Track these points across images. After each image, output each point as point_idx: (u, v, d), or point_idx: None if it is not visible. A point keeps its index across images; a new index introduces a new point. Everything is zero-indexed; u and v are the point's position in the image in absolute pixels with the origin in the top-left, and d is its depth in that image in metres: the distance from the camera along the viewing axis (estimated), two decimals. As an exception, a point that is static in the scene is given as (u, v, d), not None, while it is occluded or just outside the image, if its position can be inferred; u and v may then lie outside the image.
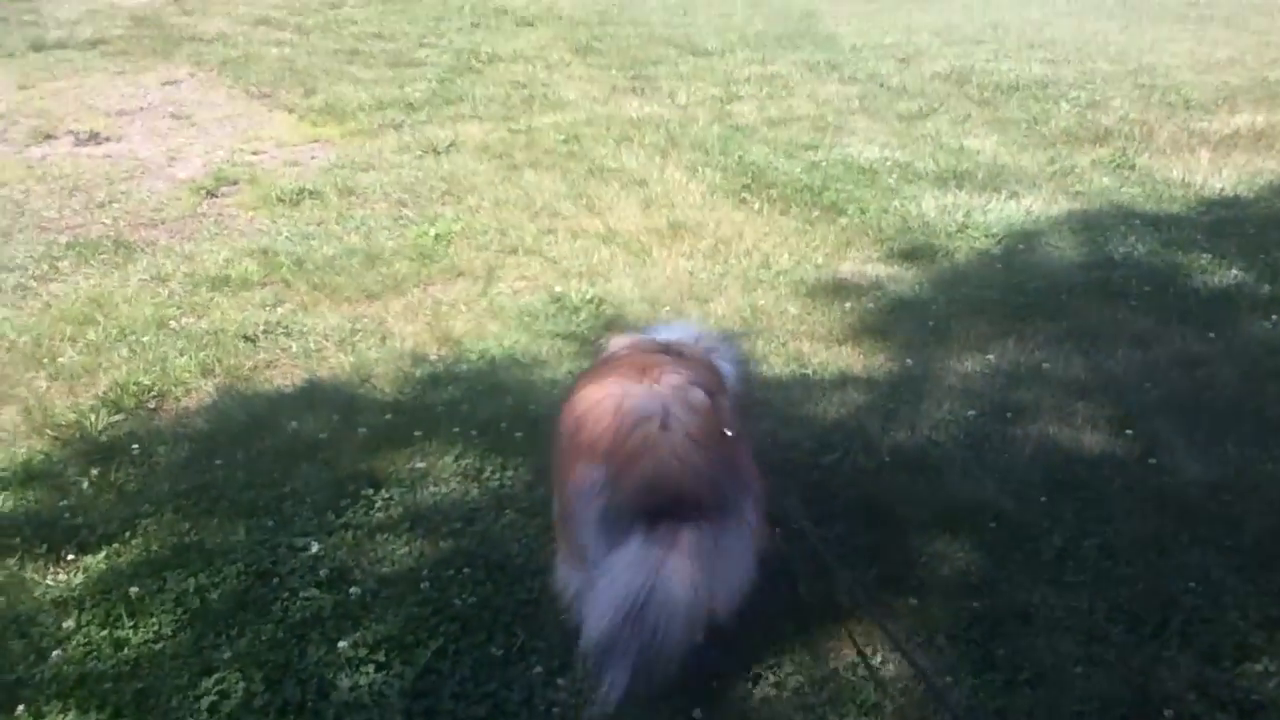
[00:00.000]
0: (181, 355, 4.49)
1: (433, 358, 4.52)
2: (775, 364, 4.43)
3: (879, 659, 2.81)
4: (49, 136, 7.56)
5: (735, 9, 13.80)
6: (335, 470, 3.62)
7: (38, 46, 10.02)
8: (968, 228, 5.96)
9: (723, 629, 2.44)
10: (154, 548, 3.23)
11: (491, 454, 3.69)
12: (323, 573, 3.11)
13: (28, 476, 3.62)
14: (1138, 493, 3.51)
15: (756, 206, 6.29)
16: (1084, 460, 3.71)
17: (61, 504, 3.45)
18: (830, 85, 9.42)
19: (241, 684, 2.71)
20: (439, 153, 7.29)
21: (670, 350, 2.77)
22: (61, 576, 3.12)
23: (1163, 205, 6.36)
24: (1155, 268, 5.36)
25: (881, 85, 9.36)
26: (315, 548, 3.22)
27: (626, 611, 2.14)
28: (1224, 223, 5.98)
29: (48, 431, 3.91)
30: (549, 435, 2.67)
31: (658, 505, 2.23)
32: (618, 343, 3.03)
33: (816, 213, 6.19)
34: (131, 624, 2.91)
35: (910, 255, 5.62)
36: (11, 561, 3.17)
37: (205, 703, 2.67)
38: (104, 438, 3.88)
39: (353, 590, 3.04)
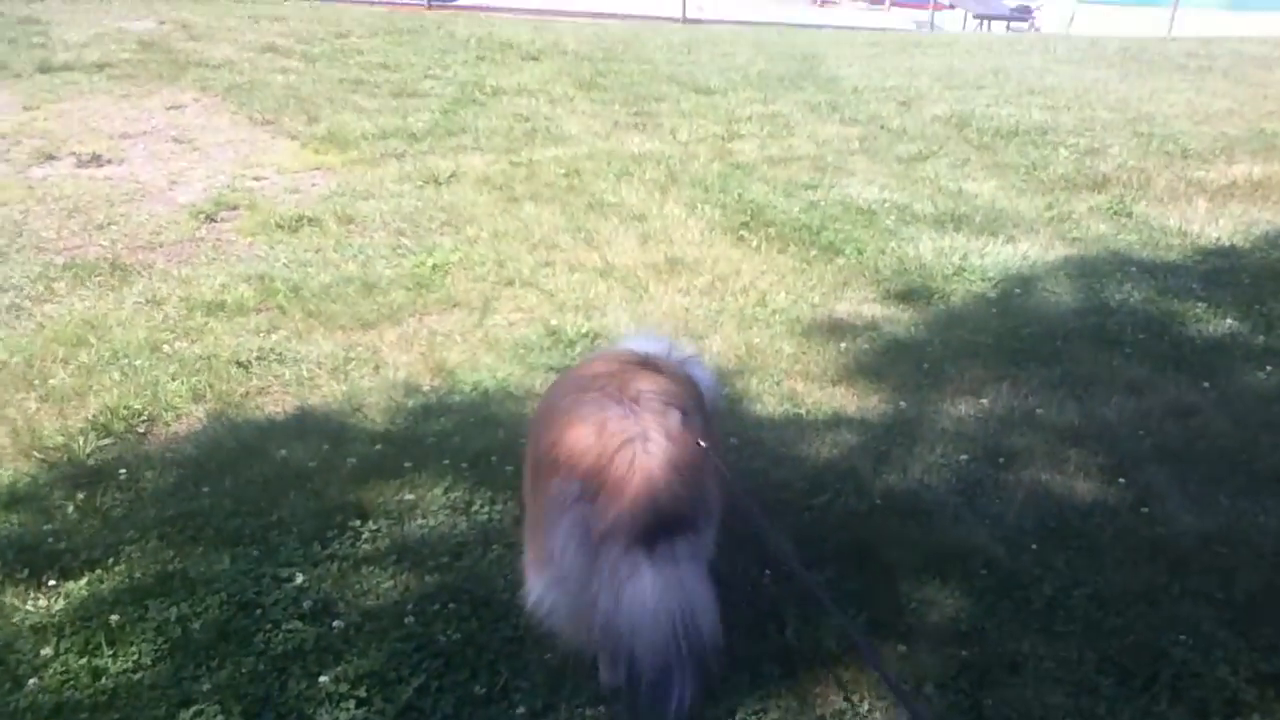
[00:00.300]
0: (173, 380, 4.48)
1: (425, 388, 4.51)
2: (769, 403, 4.42)
3: (866, 706, 2.78)
4: (51, 157, 7.58)
5: (738, 49, 13.94)
6: (323, 500, 3.59)
7: (45, 68, 10.07)
8: (964, 271, 5.97)
9: (708, 669, 2.41)
10: (137, 575, 3.20)
11: (481, 488, 3.66)
12: (306, 605, 3.08)
13: (12, 499, 3.59)
14: (1129, 542, 3.49)
15: (754, 244, 6.31)
16: (1076, 508, 3.69)
17: (45, 528, 3.42)
18: (831, 126, 9.48)
19: (220, 717, 2.67)
20: (440, 183, 7.31)
21: (648, 364, 2.76)
22: (42, 602, 3.08)
23: (1159, 253, 6.38)
24: (1151, 315, 5.37)
25: (882, 127, 9.43)
26: (300, 579, 3.19)
27: (672, 632, 2.26)
28: (1220, 272, 6.00)
29: (35, 454, 3.88)
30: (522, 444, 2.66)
31: (651, 527, 2.29)
32: (595, 353, 3.03)
33: (814, 252, 6.21)
34: (111, 653, 2.87)
35: (906, 297, 5.63)
36: (-8, 585, 3.14)
37: (182, 735, 2.63)
38: (92, 461, 3.86)
39: (336, 623, 3.01)
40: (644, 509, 2.29)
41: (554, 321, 5.15)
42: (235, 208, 6.75)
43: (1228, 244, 6.53)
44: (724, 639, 2.44)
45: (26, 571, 3.19)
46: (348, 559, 3.29)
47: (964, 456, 4.01)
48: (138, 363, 4.61)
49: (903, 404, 4.43)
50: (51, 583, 3.15)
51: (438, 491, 3.65)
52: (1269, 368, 4.81)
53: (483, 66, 11.59)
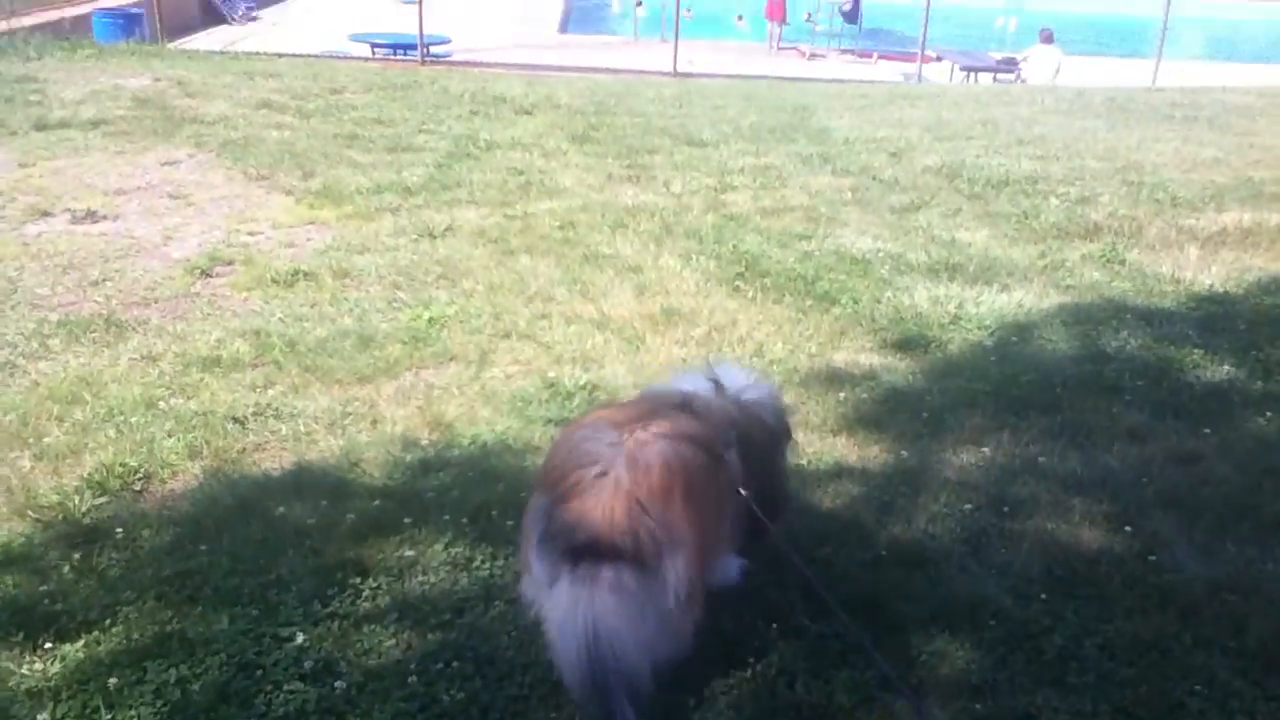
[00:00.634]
0: (169, 437, 4.44)
1: (424, 442, 4.48)
2: (770, 454, 4.39)
3: (879, 764, 2.73)
4: (46, 214, 7.59)
5: (729, 102, 14.09)
6: (322, 557, 3.55)
7: (40, 126, 10.11)
8: (960, 319, 5.99)
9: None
10: (135, 636, 3.14)
11: (482, 543, 3.62)
12: (308, 665, 3.02)
13: (7, 560, 3.53)
14: (1138, 590, 3.46)
15: (750, 295, 6.32)
16: (1083, 557, 3.66)
17: (41, 589, 3.36)
18: (823, 177, 9.56)
19: (219, 782, 2.62)
20: (435, 236, 7.33)
21: (683, 405, 2.90)
22: (38, 666, 3.02)
23: (1153, 300, 6.41)
24: (1148, 362, 5.38)
25: (874, 178, 9.51)
26: (300, 638, 3.13)
27: (589, 652, 2.40)
28: (1215, 318, 6.02)
29: (29, 513, 3.83)
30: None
31: (579, 546, 2.45)
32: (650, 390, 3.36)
33: (810, 302, 6.22)
34: (109, 716, 2.81)
35: (903, 346, 5.63)
36: (-14, 649, 3.08)
37: (180, 802, 2.57)
38: (87, 520, 3.80)
39: (338, 684, 2.95)
40: (575, 527, 2.46)
41: (551, 374, 5.14)
42: (230, 263, 6.75)
43: (1221, 290, 6.57)
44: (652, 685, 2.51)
45: (21, 634, 3.13)
46: (349, 617, 3.24)
47: (968, 506, 3.99)
48: (133, 420, 4.57)
49: (904, 453, 4.41)
50: (48, 645, 3.09)
51: (438, 547, 3.60)
52: (1269, 413, 4.81)
53: (476, 121, 11.69)
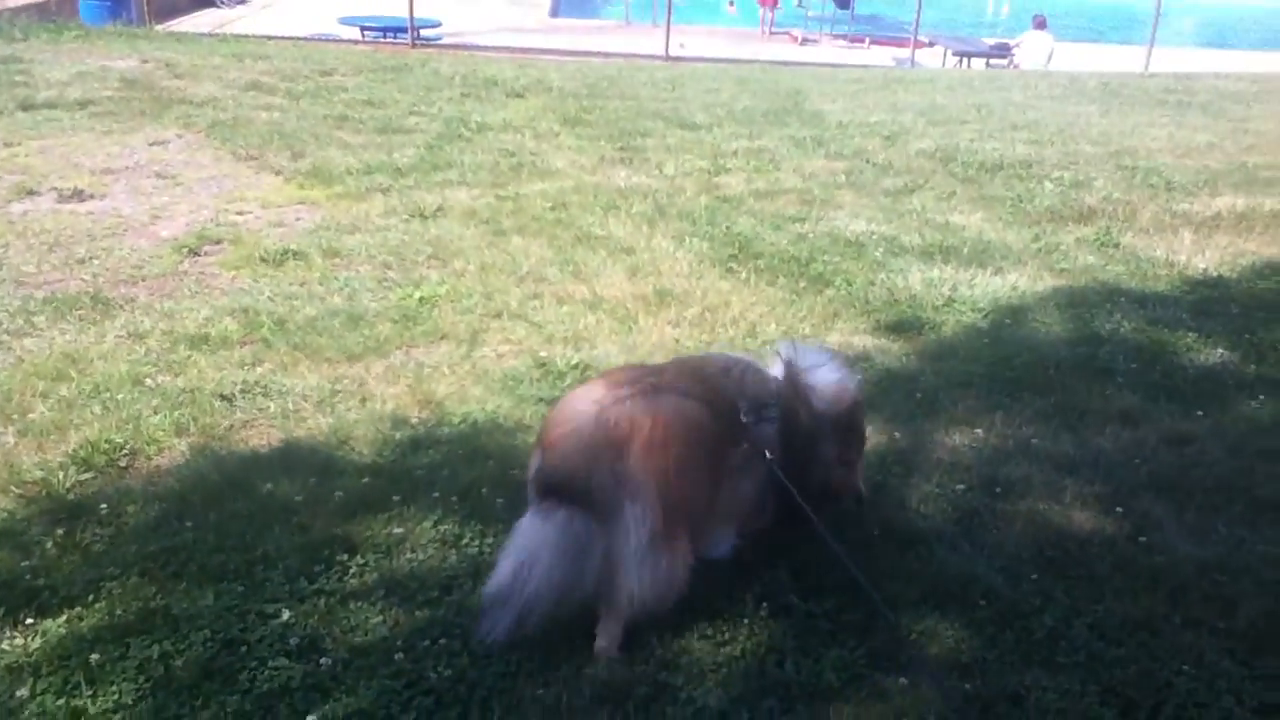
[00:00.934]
0: (156, 413, 4.39)
1: (413, 421, 4.44)
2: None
3: (868, 741, 2.72)
4: (32, 193, 7.51)
5: (723, 85, 14.03)
6: (310, 534, 3.51)
7: (26, 106, 10.02)
8: (954, 302, 5.96)
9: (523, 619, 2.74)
10: (118, 612, 3.10)
11: (471, 521, 3.59)
12: (293, 641, 2.99)
13: (-10, 535, 3.50)
14: (1128, 571, 3.44)
15: (743, 276, 6.29)
16: (1074, 537, 3.64)
17: (23, 564, 3.32)
18: (817, 160, 9.52)
19: (203, 758, 2.59)
20: (426, 217, 7.28)
21: (701, 370, 3.18)
22: (19, 641, 2.98)
23: (1147, 284, 6.40)
24: (1141, 345, 5.36)
25: (867, 161, 9.48)
26: (286, 615, 3.10)
27: (516, 570, 2.71)
28: (1208, 302, 6.02)
29: (13, 489, 3.78)
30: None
31: (545, 487, 2.79)
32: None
33: (803, 284, 6.19)
34: (90, 693, 2.78)
35: (897, 328, 5.61)
36: (-34, 625, 3.04)
37: (163, 778, 2.54)
38: (71, 496, 3.76)
39: (323, 661, 2.92)
40: (544, 471, 2.80)
41: (543, 353, 5.11)
42: (219, 242, 6.69)
43: (1215, 275, 6.56)
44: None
45: (3, 609, 3.09)
46: (335, 594, 3.21)
47: (960, 486, 3.97)
48: (119, 396, 4.52)
49: (897, 434, 4.39)
50: (29, 621, 3.06)
51: (427, 525, 3.57)
52: (1262, 396, 4.80)
53: (468, 103, 11.62)
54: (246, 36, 17.63)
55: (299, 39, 18.01)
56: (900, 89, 14.48)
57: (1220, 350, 5.32)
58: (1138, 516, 3.78)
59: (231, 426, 4.36)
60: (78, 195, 7.52)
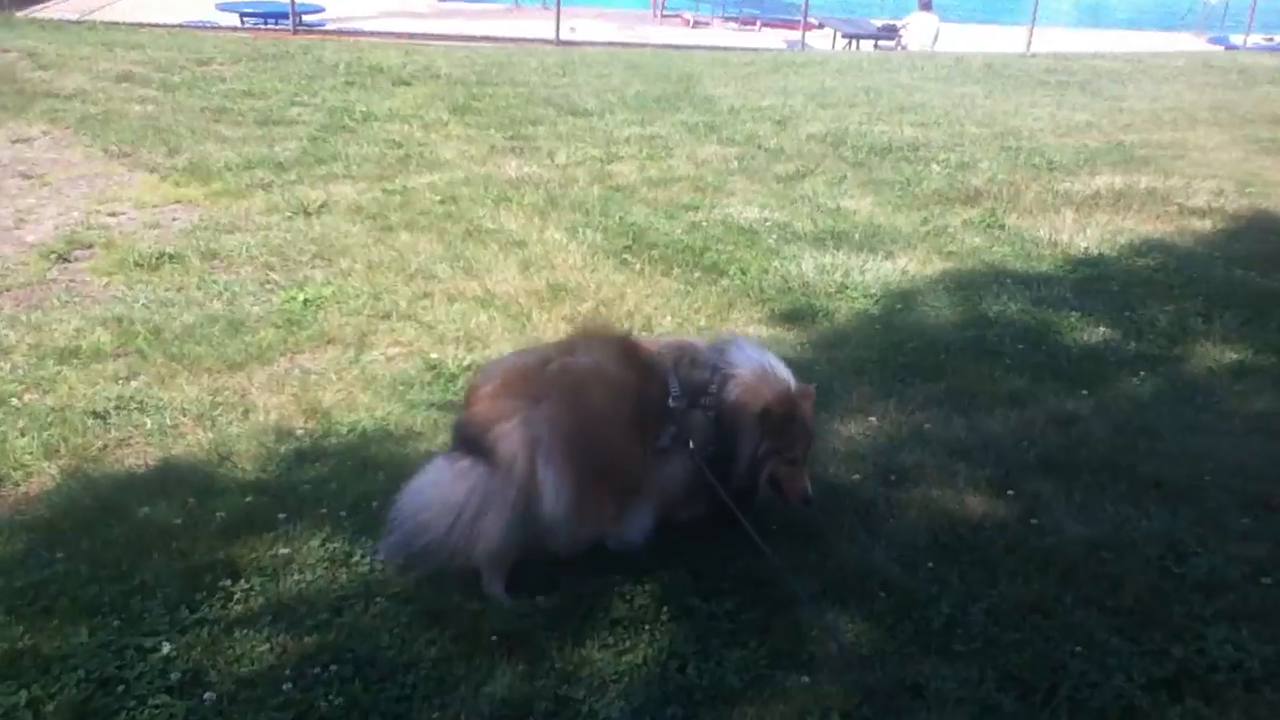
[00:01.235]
0: (23, 435, 4.15)
1: (299, 432, 4.29)
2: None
3: (771, 745, 2.70)
4: (-118, 198, 7.07)
5: (614, 70, 13.95)
6: (190, 560, 3.35)
7: (-127, 101, 9.45)
8: (847, 288, 6.01)
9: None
10: (-20, 656, 2.92)
11: (362, 536, 3.47)
12: (174, 676, 2.85)
13: None
14: (1021, 554, 3.51)
15: (638, 268, 6.24)
16: (968, 522, 3.70)
17: (-128, 609, 3.10)
18: (709, 147, 9.53)
19: (76, 809, 2.44)
20: (309, 214, 7.06)
21: (626, 350, 3.26)
22: None
23: (1032, 264, 6.55)
24: (1027, 326, 5.48)
25: (759, 147, 9.51)
26: (167, 648, 2.95)
27: (411, 501, 3.01)
28: (1090, 280, 6.18)
29: None
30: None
31: (460, 439, 3.07)
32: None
33: (698, 274, 6.17)
34: (-52, 747, 2.61)
35: (792, 316, 5.63)
36: None
37: (32, 834, 2.39)
38: (-71, 530, 3.53)
39: (207, 695, 2.79)
40: (459, 426, 3.12)
41: (434, 355, 4.98)
42: (90, 246, 6.38)
43: (1096, 253, 6.74)
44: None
45: None
46: (219, 623, 3.07)
47: (856, 476, 4.00)
48: (-18, 418, 4.27)
49: (793, 425, 4.39)
50: (-120, 670, 2.86)
51: (315, 543, 3.44)
52: (1142, 373, 4.95)
53: (352, 92, 11.32)
54: (118, 24, 16.90)
55: (174, 26, 17.35)
56: (791, 72, 14.60)
57: (1102, 329, 5.46)
58: (1028, 498, 3.86)
59: (105, 446, 4.14)
60: (-67, 200, 7.09)
